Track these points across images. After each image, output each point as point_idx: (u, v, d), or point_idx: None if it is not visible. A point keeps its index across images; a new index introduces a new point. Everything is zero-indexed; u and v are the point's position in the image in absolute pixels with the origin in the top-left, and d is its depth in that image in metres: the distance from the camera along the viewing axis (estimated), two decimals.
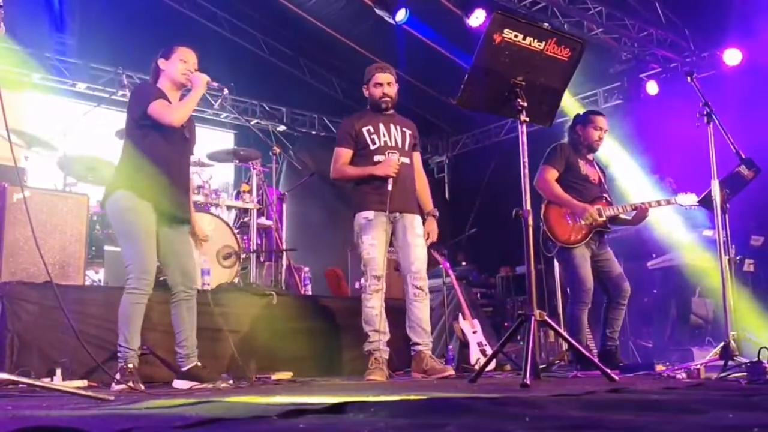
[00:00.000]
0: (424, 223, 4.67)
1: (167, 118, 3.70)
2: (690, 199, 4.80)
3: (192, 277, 3.93)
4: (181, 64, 3.87)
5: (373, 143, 4.57)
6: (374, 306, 4.43)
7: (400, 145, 4.62)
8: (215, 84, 3.89)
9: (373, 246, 4.45)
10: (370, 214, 4.49)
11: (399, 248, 4.57)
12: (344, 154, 4.62)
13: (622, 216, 4.88)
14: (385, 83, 4.64)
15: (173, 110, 3.73)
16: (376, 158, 4.54)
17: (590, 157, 5.05)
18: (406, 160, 4.60)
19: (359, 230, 4.52)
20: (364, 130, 4.59)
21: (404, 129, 4.68)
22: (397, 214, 4.54)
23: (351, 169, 4.60)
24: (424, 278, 4.55)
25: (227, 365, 4.68)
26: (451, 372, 4.45)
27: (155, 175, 3.76)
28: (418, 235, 4.56)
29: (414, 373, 4.52)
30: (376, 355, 4.39)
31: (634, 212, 4.84)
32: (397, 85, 4.72)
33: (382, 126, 4.61)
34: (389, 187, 4.43)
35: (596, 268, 4.84)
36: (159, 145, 3.80)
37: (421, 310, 4.52)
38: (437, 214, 4.75)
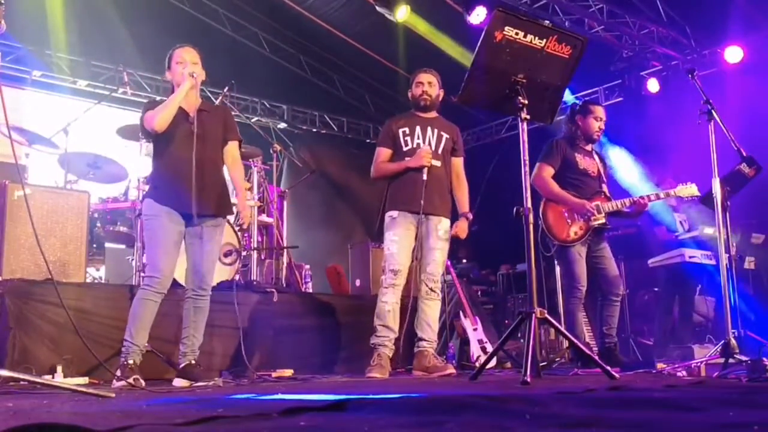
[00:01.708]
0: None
1: (150, 126, 3.81)
2: (690, 190, 4.78)
3: (202, 277, 3.93)
4: (179, 67, 3.91)
5: (406, 144, 4.64)
6: (387, 301, 4.47)
7: (433, 148, 4.63)
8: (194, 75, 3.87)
9: (394, 242, 4.51)
10: (395, 213, 4.56)
11: (420, 248, 4.62)
12: (383, 153, 4.71)
13: (625, 210, 4.86)
14: (425, 82, 4.70)
15: (152, 117, 3.79)
16: (408, 160, 4.59)
17: (588, 148, 5.03)
18: (437, 163, 4.60)
19: (385, 229, 4.60)
20: (401, 131, 4.66)
21: (442, 132, 4.69)
22: (423, 216, 4.55)
23: (389, 165, 4.67)
24: (437, 281, 4.62)
25: (229, 363, 4.70)
26: (452, 370, 4.48)
27: (169, 179, 3.88)
28: (440, 238, 4.59)
29: (415, 370, 4.54)
30: (380, 351, 4.41)
31: (633, 205, 4.82)
32: (441, 90, 4.76)
33: (418, 128, 4.65)
34: (424, 177, 4.47)
35: (592, 265, 4.83)
36: (169, 149, 3.89)
37: (431, 308, 4.61)
38: (471, 217, 4.78)
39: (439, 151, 4.65)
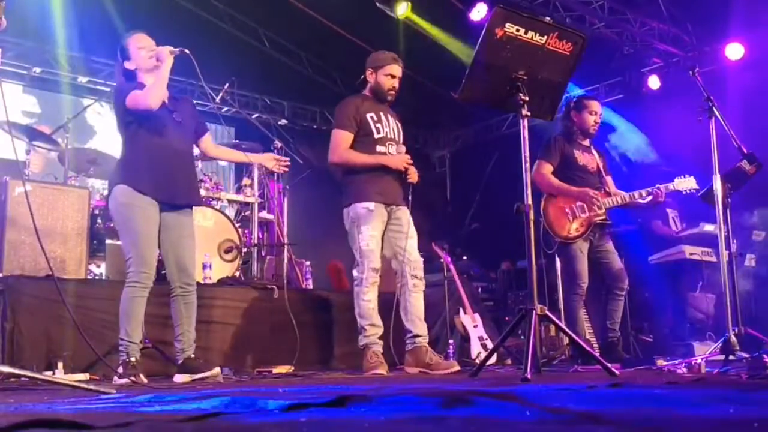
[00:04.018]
0: None
1: (143, 103, 3.67)
2: (688, 183, 4.80)
3: (189, 273, 3.89)
4: (141, 51, 3.84)
5: (378, 132, 4.47)
6: (371, 299, 4.33)
7: (397, 138, 4.57)
8: (177, 50, 3.79)
9: (373, 237, 4.34)
10: (371, 204, 4.36)
11: (393, 240, 4.44)
12: (347, 138, 4.46)
13: (638, 200, 4.87)
14: (397, 77, 4.56)
15: (145, 94, 3.69)
16: (379, 148, 4.45)
17: (586, 143, 5.04)
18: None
19: (357, 220, 4.36)
20: (368, 116, 4.47)
21: (397, 122, 4.64)
22: (393, 206, 4.47)
23: (359, 156, 4.44)
24: (422, 268, 4.48)
25: (229, 359, 4.70)
26: (457, 367, 4.31)
27: (150, 166, 3.77)
28: (411, 224, 4.48)
29: (409, 367, 4.39)
30: (374, 349, 4.31)
31: (650, 197, 4.83)
32: None
33: (383, 115, 4.53)
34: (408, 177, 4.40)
35: (596, 260, 4.85)
36: (150, 136, 3.79)
37: (419, 300, 4.43)
38: None
39: (401, 141, 4.60)
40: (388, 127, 4.53)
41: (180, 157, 3.89)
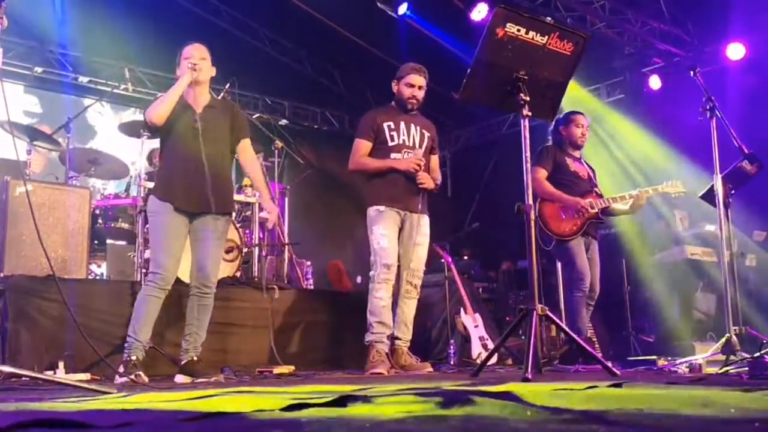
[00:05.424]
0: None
1: (149, 119, 3.86)
2: (676, 187, 4.91)
3: (205, 273, 3.93)
4: (185, 62, 3.94)
5: (392, 140, 4.59)
6: (382, 297, 4.44)
7: (417, 146, 4.63)
8: (190, 66, 3.90)
9: (384, 236, 4.47)
10: (381, 207, 4.51)
11: (402, 245, 4.58)
12: (364, 146, 4.63)
13: (620, 206, 4.95)
14: (416, 86, 4.66)
15: (149, 111, 3.86)
16: (394, 155, 4.57)
17: (577, 154, 5.19)
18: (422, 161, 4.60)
19: (371, 221, 4.54)
20: (385, 125, 4.61)
21: (423, 130, 4.70)
22: (407, 212, 4.56)
23: (371, 161, 4.60)
24: (420, 277, 4.61)
25: (230, 359, 4.70)
26: (429, 369, 4.51)
27: (169, 176, 3.93)
28: (423, 234, 4.59)
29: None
30: (378, 348, 4.37)
31: (632, 201, 4.92)
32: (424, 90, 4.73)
33: (403, 124, 4.63)
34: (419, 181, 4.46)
35: None
36: (173, 146, 3.93)
37: (409, 307, 4.58)
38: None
39: (422, 149, 4.65)
40: (406, 134, 4.61)
41: (200, 165, 3.90)
